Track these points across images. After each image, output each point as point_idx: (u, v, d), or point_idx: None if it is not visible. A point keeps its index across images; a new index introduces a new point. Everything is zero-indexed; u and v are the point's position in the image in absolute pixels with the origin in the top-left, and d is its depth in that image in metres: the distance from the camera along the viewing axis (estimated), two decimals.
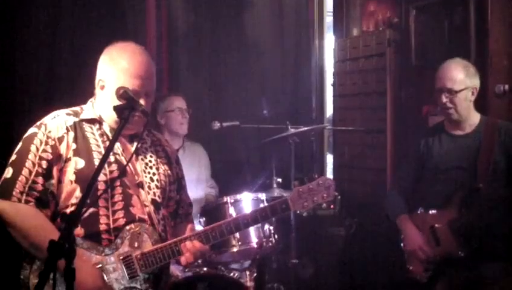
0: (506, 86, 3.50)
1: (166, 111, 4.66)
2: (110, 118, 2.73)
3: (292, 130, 4.55)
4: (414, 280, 3.77)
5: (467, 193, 3.59)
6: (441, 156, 3.77)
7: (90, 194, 2.31)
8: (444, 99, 3.65)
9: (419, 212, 3.81)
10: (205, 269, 3.88)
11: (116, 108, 2.55)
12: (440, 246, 3.64)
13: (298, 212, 4.31)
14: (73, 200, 2.60)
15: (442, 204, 3.67)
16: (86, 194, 2.26)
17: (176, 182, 2.95)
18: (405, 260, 3.83)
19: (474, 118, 3.74)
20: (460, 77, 3.66)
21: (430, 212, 3.74)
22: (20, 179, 2.57)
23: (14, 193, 2.55)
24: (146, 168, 2.80)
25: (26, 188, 2.57)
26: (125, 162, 2.68)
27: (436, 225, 3.66)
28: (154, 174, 2.81)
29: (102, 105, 2.76)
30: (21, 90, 4.68)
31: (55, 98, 4.67)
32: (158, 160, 2.88)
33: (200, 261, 3.89)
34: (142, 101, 2.64)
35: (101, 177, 2.61)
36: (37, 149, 2.61)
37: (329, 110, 6.53)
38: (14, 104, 4.60)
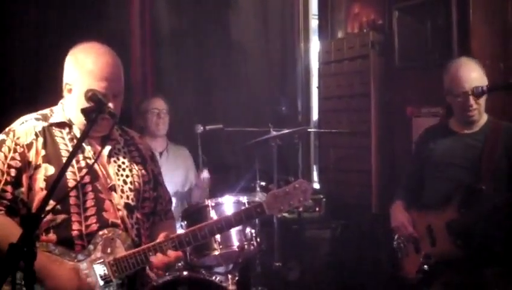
0: (485, 86, 3.46)
1: (144, 112, 4.67)
2: (79, 121, 2.68)
3: (274, 133, 4.54)
4: (406, 280, 3.71)
5: (468, 194, 3.47)
6: (443, 153, 3.66)
7: (56, 195, 2.27)
8: (472, 102, 3.51)
9: (416, 209, 3.73)
10: (185, 272, 3.85)
11: (83, 110, 2.52)
12: (436, 246, 3.55)
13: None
14: (47, 207, 2.56)
15: (441, 203, 3.56)
16: (49, 194, 2.22)
17: (151, 181, 2.89)
18: (398, 259, 3.77)
19: (483, 118, 3.64)
20: (481, 75, 3.56)
21: (428, 210, 3.65)
22: None
23: None
24: (119, 170, 2.76)
25: None
26: (96, 166, 2.66)
27: (433, 224, 3.57)
28: (127, 176, 2.77)
29: (70, 108, 2.71)
30: (7, 92, 4.68)
31: (39, 101, 4.64)
32: (131, 160, 2.83)
33: (180, 264, 3.89)
34: (110, 104, 2.59)
35: (72, 183, 2.58)
36: (6, 157, 2.58)
37: (316, 113, 6.52)
38: (3, 104, 4.60)
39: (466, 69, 3.57)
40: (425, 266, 3.56)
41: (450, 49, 4.63)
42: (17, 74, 4.80)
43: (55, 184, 2.23)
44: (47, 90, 4.66)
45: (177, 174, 4.66)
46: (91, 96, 2.55)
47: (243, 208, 3.06)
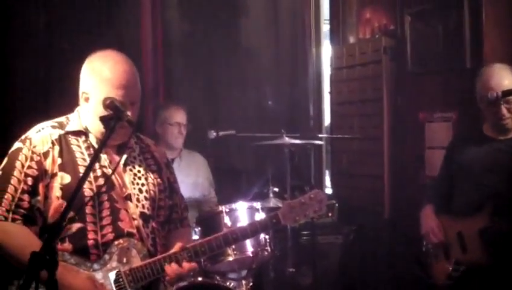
0: (500, 92, 3.42)
1: (165, 123, 4.65)
2: (96, 130, 2.69)
3: (287, 139, 4.53)
4: (434, 286, 3.69)
5: (502, 201, 3.41)
6: (477, 159, 3.61)
7: (73, 205, 2.27)
8: (504, 111, 3.47)
9: (446, 214, 3.70)
10: (200, 278, 3.87)
11: (102, 118, 2.53)
12: (467, 254, 3.50)
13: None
14: None
15: (473, 209, 3.51)
16: (69, 205, 2.24)
17: (167, 189, 2.89)
18: (427, 265, 3.74)
19: None
20: None
21: (459, 216, 3.60)
22: (6, 197, 2.53)
23: (0, 212, 2.53)
24: (135, 179, 2.75)
25: (13, 206, 2.54)
26: (113, 176, 2.66)
27: (464, 231, 3.52)
28: (143, 185, 2.77)
29: (87, 117, 2.71)
30: (13, 92, 4.72)
31: (50, 111, 4.67)
32: (147, 169, 2.83)
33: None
34: (128, 112, 2.59)
35: (88, 192, 2.58)
36: (22, 165, 2.58)
37: (327, 119, 6.51)
38: (10, 115, 4.62)
39: (498, 77, 3.51)
40: (456, 273, 3.51)
41: (462, 53, 4.61)
42: (26, 80, 4.82)
43: (75, 194, 2.25)
44: (57, 97, 4.74)
45: (188, 182, 4.66)
46: (109, 104, 2.55)
47: (258, 219, 3.07)
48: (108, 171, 2.67)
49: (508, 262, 3.37)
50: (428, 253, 3.74)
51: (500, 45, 4.47)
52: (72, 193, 2.28)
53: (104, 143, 2.46)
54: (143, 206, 2.73)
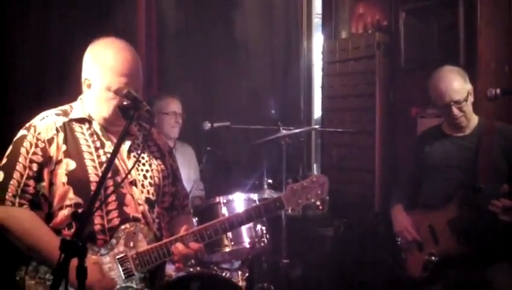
0: (498, 90, 3.49)
1: (161, 112, 4.65)
2: (99, 117, 2.72)
3: (284, 132, 4.55)
4: (411, 279, 3.77)
5: (468, 193, 3.55)
6: (440, 156, 3.76)
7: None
8: (456, 111, 3.61)
9: (416, 209, 3.82)
10: (198, 268, 3.89)
11: (120, 108, 2.56)
12: (439, 245, 3.62)
13: (290, 211, 4.33)
14: (68, 202, 2.58)
15: (442, 203, 3.64)
16: (96, 193, 2.28)
17: (170, 176, 2.93)
18: (402, 259, 3.83)
19: (473, 120, 3.73)
20: (462, 84, 3.63)
21: (428, 210, 3.72)
22: (12, 182, 2.55)
23: (7, 197, 2.54)
24: (139, 165, 2.77)
25: (19, 191, 2.55)
26: (117, 161, 2.68)
27: (435, 223, 3.65)
28: (147, 171, 2.79)
29: (90, 104, 2.73)
30: (11, 90, 4.68)
31: (45, 97, 4.67)
32: (150, 155, 2.86)
33: (192, 260, 3.92)
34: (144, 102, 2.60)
35: (94, 177, 2.60)
36: (27, 152, 2.59)
37: (317, 111, 6.55)
38: (5, 104, 4.60)
39: (447, 80, 3.64)
40: (430, 264, 3.63)
41: (456, 50, 4.67)
42: (21, 71, 4.79)
43: (99, 187, 2.31)
44: (52, 88, 4.72)
45: (182, 173, 4.67)
46: (126, 94, 2.57)
47: (262, 203, 3.08)
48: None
49: (477, 249, 3.51)
50: (402, 247, 3.84)
51: (494, 42, 4.55)
52: (97, 185, 2.33)
53: (125, 133, 2.47)
54: (148, 192, 2.76)
